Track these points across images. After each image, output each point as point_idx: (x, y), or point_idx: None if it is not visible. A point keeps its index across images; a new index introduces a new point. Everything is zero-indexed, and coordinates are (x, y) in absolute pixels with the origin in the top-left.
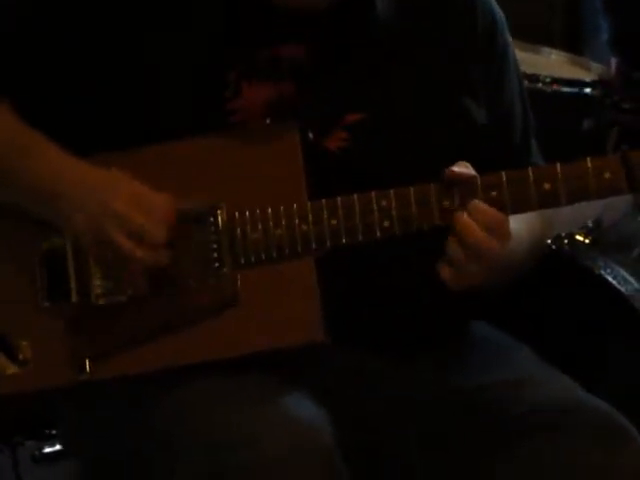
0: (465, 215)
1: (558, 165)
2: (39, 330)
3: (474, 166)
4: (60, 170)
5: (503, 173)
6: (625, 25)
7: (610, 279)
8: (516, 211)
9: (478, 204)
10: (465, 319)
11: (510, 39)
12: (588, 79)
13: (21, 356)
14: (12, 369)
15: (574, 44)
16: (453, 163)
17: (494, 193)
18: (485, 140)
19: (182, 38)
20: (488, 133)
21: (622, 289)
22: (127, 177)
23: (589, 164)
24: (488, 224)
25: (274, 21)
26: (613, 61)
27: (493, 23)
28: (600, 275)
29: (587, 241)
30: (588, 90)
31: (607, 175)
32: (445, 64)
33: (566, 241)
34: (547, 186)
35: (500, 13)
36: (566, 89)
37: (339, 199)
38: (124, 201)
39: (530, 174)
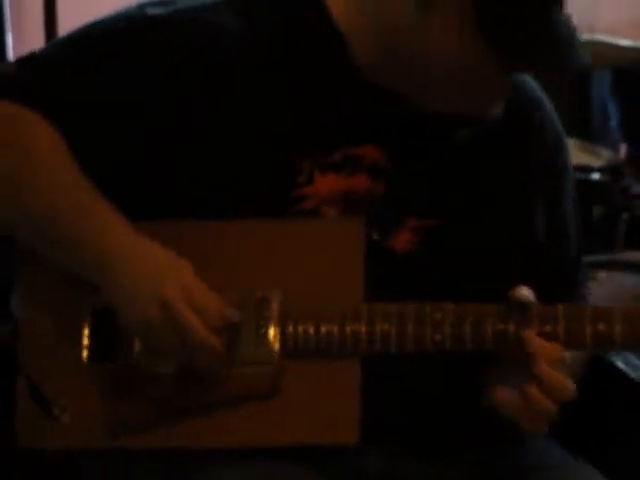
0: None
1: (615, 306)
2: (77, 389)
3: (528, 282)
4: (117, 245)
5: (560, 307)
6: (633, 111)
7: (620, 365)
8: (568, 348)
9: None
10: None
11: (570, 160)
12: (597, 165)
13: (56, 411)
14: (45, 424)
15: (583, 131)
16: (513, 278)
17: (548, 327)
18: (542, 256)
19: (268, 121)
20: (545, 249)
21: (633, 375)
22: (186, 267)
23: None
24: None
25: (358, 121)
26: (622, 147)
27: (558, 141)
28: (611, 362)
29: None
30: (597, 176)
31: None
32: (516, 178)
33: None
34: (602, 327)
35: (564, 133)
36: (575, 175)
37: (394, 306)
38: (177, 292)
39: (588, 312)
